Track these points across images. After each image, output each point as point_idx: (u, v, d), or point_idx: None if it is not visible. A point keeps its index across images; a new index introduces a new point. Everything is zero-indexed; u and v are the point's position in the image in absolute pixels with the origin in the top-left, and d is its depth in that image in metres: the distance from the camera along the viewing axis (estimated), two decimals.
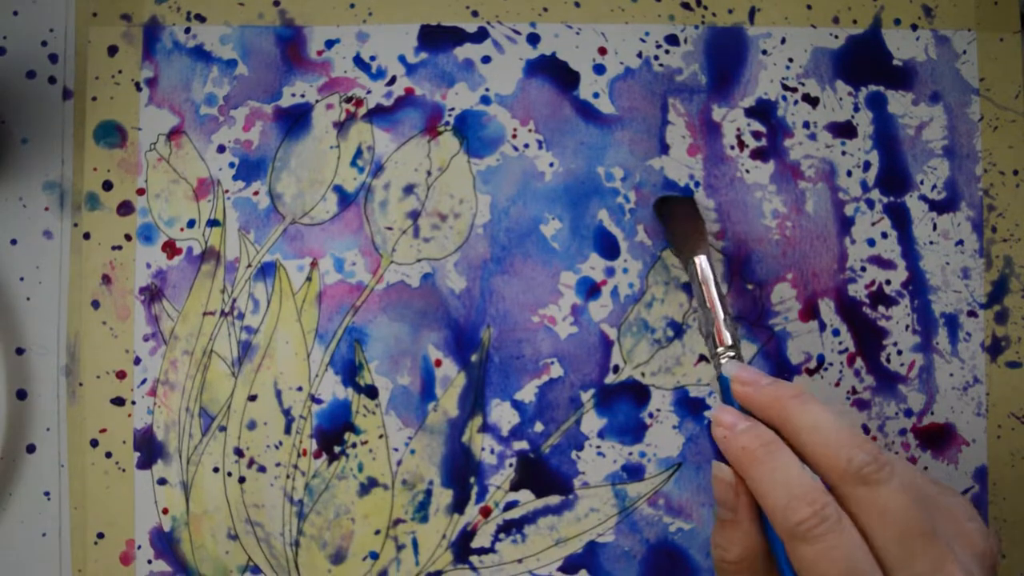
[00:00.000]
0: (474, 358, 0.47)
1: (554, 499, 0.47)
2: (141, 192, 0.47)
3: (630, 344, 0.47)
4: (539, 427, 0.47)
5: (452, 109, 0.48)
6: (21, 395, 0.47)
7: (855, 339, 0.47)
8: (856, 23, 0.49)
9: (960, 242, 0.48)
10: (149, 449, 0.47)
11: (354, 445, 0.46)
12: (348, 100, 0.48)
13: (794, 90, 0.48)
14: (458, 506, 0.47)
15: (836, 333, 0.47)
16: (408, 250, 0.47)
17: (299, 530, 0.46)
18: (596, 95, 0.48)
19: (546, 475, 0.47)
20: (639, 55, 0.48)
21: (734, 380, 0.38)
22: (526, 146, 0.48)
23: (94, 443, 0.47)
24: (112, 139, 0.48)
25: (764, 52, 0.48)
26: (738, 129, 0.48)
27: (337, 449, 0.46)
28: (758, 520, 0.36)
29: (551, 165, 0.48)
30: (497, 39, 0.48)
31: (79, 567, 0.46)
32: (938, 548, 0.32)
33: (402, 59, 0.48)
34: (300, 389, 0.47)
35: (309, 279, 0.47)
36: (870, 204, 0.48)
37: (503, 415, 0.47)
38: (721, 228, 0.48)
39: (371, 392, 0.47)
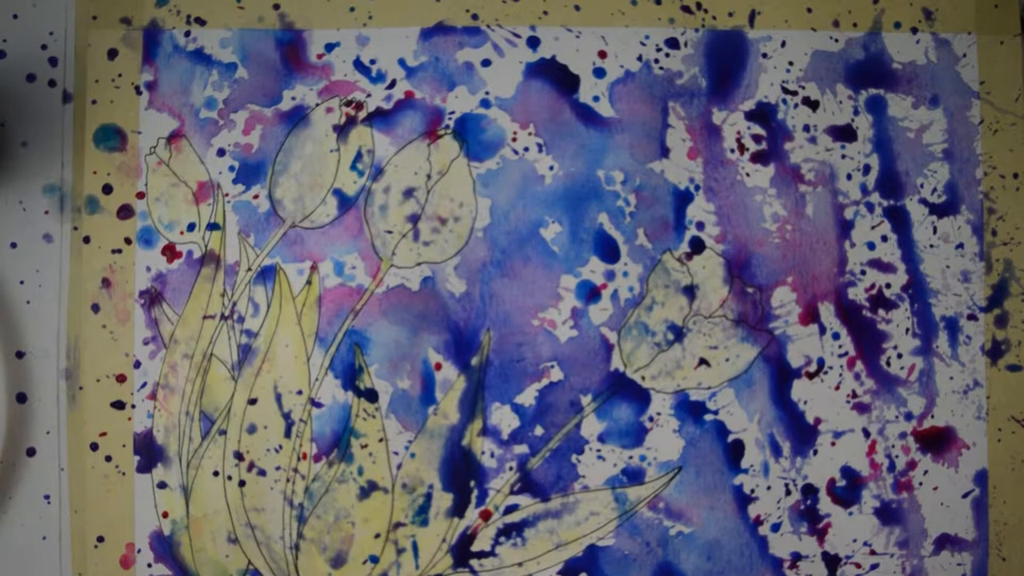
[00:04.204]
0: (474, 361, 0.47)
1: (554, 503, 0.47)
2: (141, 196, 0.47)
3: (630, 347, 0.47)
4: (539, 431, 0.47)
5: (452, 112, 0.48)
6: (21, 399, 0.47)
7: (855, 342, 0.47)
8: (856, 26, 0.49)
9: (960, 245, 0.48)
10: (149, 453, 0.47)
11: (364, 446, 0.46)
12: (348, 103, 0.48)
13: (794, 93, 0.48)
14: (458, 510, 0.47)
15: (836, 336, 0.47)
16: (408, 253, 0.47)
17: (299, 533, 0.46)
18: (596, 98, 0.48)
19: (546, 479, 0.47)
20: (639, 58, 0.48)
21: None
22: (526, 149, 0.48)
23: (94, 447, 0.47)
24: (112, 142, 0.48)
25: (764, 55, 0.48)
26: (738, 132, 0.48)
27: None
28: None
29: (551, 168, 0.48)
30: (497, 42, 0.48)
31: (79, 571, 0.46)
32: None
33: (402, 62, 0.48)
34: (300, 393, 0.47)
35: (309, 283, 0.47)
36: (870, 207, 0.48)
37: (503, 419, 0.47)
38: (721, 231, 0.48)
39: (371, 396, 0.47)
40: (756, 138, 0.48)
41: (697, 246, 0.47)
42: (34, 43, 0.48)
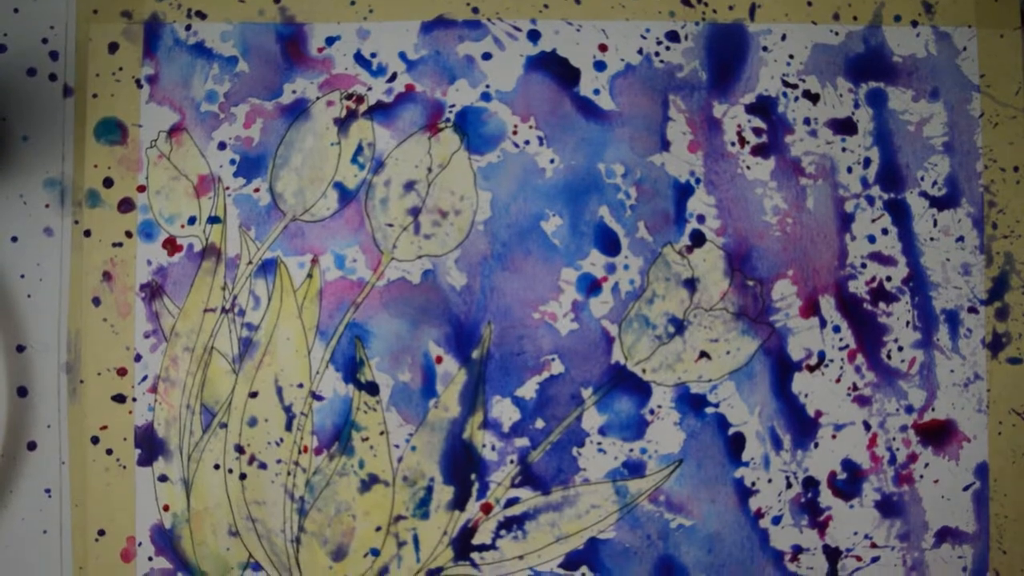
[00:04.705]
0: (475, 355, 0.47)
1: (555, 496, 0.47)
2: (142, 189, 0.47)
3: (631, 340, 0.47)
4: (540, 424, 0.47)
5: (453, 106, 0.48)
6: (22, 392, 0.47)
7: (856, 335, 0.47)
8: (856, 19, 0.49)
9: (961, 238, 0.48)
10: (150, 446, 0.47)
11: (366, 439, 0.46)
12: (349, 97, 0.48)
13: (795, 86, 0.48)
14: (459, 503, 0.47)
15: (837, 329, 0.47)
16: (409, 247, 0.47)
17: (300, 527, 0.46)
18: (597, 92, 0.48)
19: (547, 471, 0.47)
20: (640, 52, 0.48)
21: None
22: (527, 143, 0.48)
23: (95, 440, 0.47)
24: (113, 136, 0.48)
25: (765, 49, 0.48)
26: (739, 125, 0.48)
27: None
28: None
29: (552, 162, 0.48)
30: (498, 35, 0.48)
31: (80, 564, 0.46)
32: None
33: (403, 56, 0.48)
34: (301, 386, 0.47)
35: (310, 276, 0.47)
36: (870, 200, 0.48)
37: (504, 412, 0.47)
38: (722, 225, 0.48)
39: (372, 389, 0.47)
40: (756, 131, 0.48)
41: (698, 239, 0.47)
42: (35, 37, 0.48)
